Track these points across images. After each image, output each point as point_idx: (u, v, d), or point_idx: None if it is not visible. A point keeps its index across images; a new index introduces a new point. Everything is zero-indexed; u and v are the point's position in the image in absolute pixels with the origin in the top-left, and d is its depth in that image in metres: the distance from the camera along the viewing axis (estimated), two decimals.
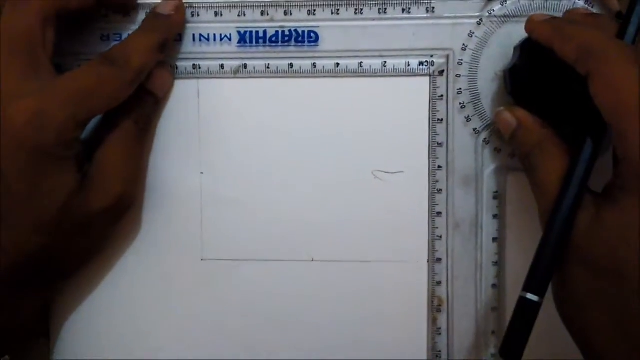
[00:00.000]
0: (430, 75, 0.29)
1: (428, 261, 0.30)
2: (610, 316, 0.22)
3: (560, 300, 0.24)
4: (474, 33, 0.29)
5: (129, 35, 0.28)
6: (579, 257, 0.23)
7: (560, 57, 0.24)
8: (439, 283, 0.30)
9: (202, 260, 0.30)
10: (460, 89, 0.29)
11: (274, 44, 0.29)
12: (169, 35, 0.28)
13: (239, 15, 0.29)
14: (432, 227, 0.29)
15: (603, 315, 0.23)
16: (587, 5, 0.28)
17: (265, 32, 0.29)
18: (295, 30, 0.29)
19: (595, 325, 0.23)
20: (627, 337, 0.22)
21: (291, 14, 0.29)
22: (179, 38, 0.29)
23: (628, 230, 0.22)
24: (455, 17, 0.29)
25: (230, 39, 0.29)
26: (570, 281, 0.24)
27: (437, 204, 0.29)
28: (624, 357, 0.22)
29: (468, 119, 0.29)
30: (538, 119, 0.26)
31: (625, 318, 0.22)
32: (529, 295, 0.24)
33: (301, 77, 0.29)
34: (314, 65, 0.29)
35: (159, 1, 0.29)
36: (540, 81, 0.27)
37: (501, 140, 0.29)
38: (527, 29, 0.26)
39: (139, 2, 0.29)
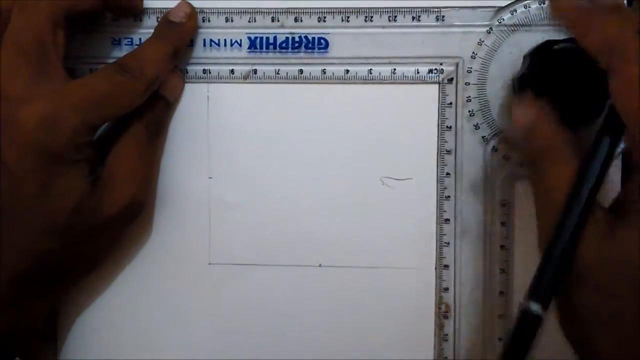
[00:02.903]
0: (439, 83, 0.29)
1: (435, 268, 0.30)
2: (624, 340, 0.21)
3: (566, 323, 0.23)
4: (483, 41, 0.29)
5: (142, 43, 0.28)
6: (588, 277, 0.22)
7: (573, 59, 0.24)
8: (446, 289, 0.30)
9: (209, 264, 0.30)
10: (470, 96, 0.29)
11: (284, 50, 0.29)
12: (182, 43, 0.28)
13: (249, 21, 0.29)
14: (440, 233, 0.30)
15: (615, 339, 0.21)
16: None
17: (275, 38, 0.29)
18: (306, 37, 0.29)
19: (606, 349, 0.22)
20: None
21: (301, 21, 0.29)
22: (190, 43, 0.29)
23: None
24: (465, 26, 0.29)
25: (240, 45, 0.29)
26: (579, 304, 0.22)
27: (445, 211, 0.29)
28: None
29: (477, 127, 0.29)
30: (555, 117, 0.25)
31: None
32: (533, 307, 0.22)
33: (311, 83, 0.29)
34: (324, 71, 0.29)
35: (168, 5, 0.29)
36: (550, 90, 0.27)
37: (510, 148, 0.29)
38: (552, 8, 0.25)
39: (149, 7, 0.29)
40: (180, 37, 0.28)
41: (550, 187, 0.23)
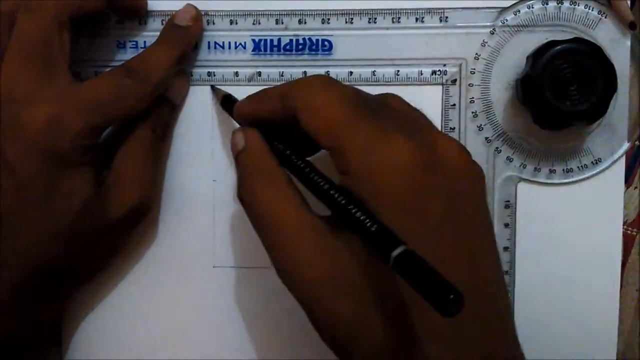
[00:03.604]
0: (442, 84, 0.29)
1: None
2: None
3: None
4: (487, 42, 0.29)
5: (148, 46, 0.28)
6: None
7: None
8: None
9: (214, 267, 0.30)
10: (473, 98, 0.29)
11: (288, 52, 0.29)
12: (188, 46, 0.28)
13: (253, 24, 0.29)
14: None
15: None
16: (600, 16, 0.28)
17: (279, 41, 0.29)
18: (310, 39, 0.29)
19: None
20: None
21: (305, 23, 0.29)
22: (195, 46, 0.29)
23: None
24: (468, 27, 0.29)
25: (244, 47, 0.30)
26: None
27: None
28: None
29: (480, 128, 0.29)
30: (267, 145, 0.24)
31: None
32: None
33: None
34: (328, 73, 0.29)
35: (172, 8, 0.29)
36: (551, 90, 0.27)
37: (513, 150, 0.29)
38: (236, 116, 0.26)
39: (154, 10, 0.29)
40: (186, 40, 0.28)
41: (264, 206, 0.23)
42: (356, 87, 0.25)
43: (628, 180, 0.30)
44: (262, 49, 0.29)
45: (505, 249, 0.30)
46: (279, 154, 0.24)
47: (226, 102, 0.28)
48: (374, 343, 0.21)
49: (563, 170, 0.29)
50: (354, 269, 0.21)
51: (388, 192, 0.21)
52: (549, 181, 0.29)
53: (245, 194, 0.23)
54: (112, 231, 0.27)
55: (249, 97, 0.26)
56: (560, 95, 0.26)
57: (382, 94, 0.25)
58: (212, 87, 0.29)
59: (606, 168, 0.29)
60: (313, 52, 0.29)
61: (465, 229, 0.22)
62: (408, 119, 0.24)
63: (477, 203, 0.23)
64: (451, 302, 0.17)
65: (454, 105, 0.29)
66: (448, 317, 0.17)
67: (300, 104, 0.23)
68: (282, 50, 0.29)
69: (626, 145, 0.29)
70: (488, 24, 0.29)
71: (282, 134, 0.24)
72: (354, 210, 0.21)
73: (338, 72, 0.29)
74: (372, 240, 0.21)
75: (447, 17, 0.29)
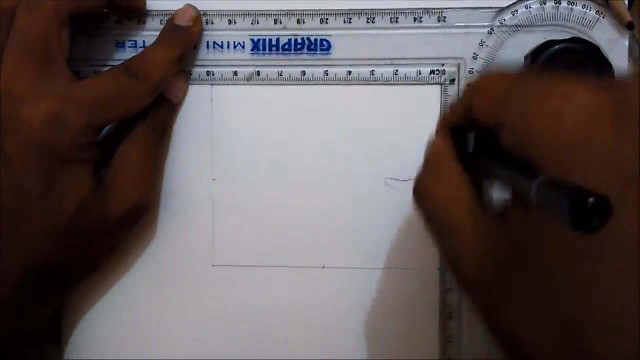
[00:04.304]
0: (441, 84, 0.29)
1: (439, 269, 0.30)
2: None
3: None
4: (485, 42, 0.29)
5: (148, 46, 0.29)
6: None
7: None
8: (450, 290, 0.30)
9: (213, 266, 0.30)
10: None
11: (287, 52, 0.30)
12: (187, 47, 0.29)
13: (252, 24, 0.30)
14: None
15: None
16: (598, 16, 0.28)
17: (278, 40, 0.30)
18: (308, 39, 0.29)
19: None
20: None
21: (304, 23, 0.29)
22: (194, 46, 0.30)
23: None
24: (466, 27, 0.29)
25: (243, 47, 0.30)
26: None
27: None
28: None
29: None
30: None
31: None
32: None
33: (313, 84, 0.30)
34: (326, 73, 0.30)
35: (171, 8, 0.29)
36: None
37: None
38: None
39: (153, 10, 0.29)
40: (186, 41, 0.28)
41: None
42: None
43: None
44: (261, 48, 0.30)
45: None
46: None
47: None
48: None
49: None
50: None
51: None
52: None
53: (419, 192, 0.23)
54: (111, 230, 0.27)
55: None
56: None
57: None
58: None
59: None
60: (312, 52, 0.29)
61: None
62: None
63: None
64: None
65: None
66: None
67: (469, 95, 0.21)
68: (281, 50, 0.30)
69: None
70: (486, 24, 0.29)
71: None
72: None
73: (337, 72, 0.29)
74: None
75: (445, 17, 0.29)
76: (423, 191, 0.23)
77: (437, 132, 0.24)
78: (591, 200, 0.15)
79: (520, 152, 0.19)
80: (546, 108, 0.18)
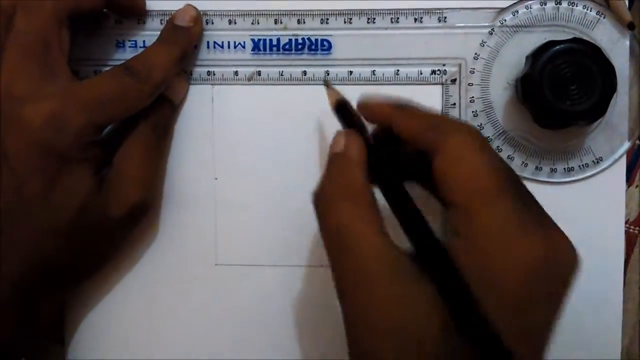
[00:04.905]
0: (442, 84, 0.29)
1: None
2: None
3: None
4: (485, 42, 0.29)
5: (149, 46, 0.29)
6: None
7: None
8: None
9: (216, 265, 0.30)
10: (473, 97, 0.29)
11: (287, 52, 0.30)
12: (188, 47, 0.29)
13: (252, 24, 0.30)
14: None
15: None
16: (598, 16, 0.28)
17: (278, 40, 0.29)
18: (309, 39, 0.29)
19: None
20: None
21: (304, 23, 0.29)
22: (194, 45, 0.30)
23: None
24: (467, 27, 0.29)
25: (244, 47, 0.30)
26: None
27: None
28: None
29: (480, 127, 0.29)
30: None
31: None
32: None
33: (314, 84, 0.30)
34: (327, 73, 0.29)
35: (171, 8, 0.29)
36: (550, 90, 0.27)
37: (513, 149, 0.29)
38: (361, 109, 0.25)
39: (152, 9, 0.29)
40: (187, 41, 0.28)
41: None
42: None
43: (629, 179, 0.30)
44: (262, 48, 0.30)
45: None
46: (379, 171, 0.23)
47: (341, 107, 0.26)
48: None
49: (564, 169, 0.29)
50: (426, 325, 0.19)
51: (498, 287, 0.19)
52: (550, 180, 0.29)
53: (321, 200, 0.22)
54: (113, 229, 0.27)
55: (388, 102, 0.24)
56: (560, 95, 0.26)
57: None
58: (326, 82, 0.27)
59: (607, 167, 0.29)
60: (312, 52, 0.29)
61: (548, 329, 0.21)
62: (538, 208, 0.22)
63: (565, 298, 0.21)
64: None
65: (454, 104, 0.29)
66: None
67: (450, 145, 0.21)
68: (281, 50, 0.30)
69: (627, 145, 0.29)
70: (487, 24, 0.29)
71: (389, 147, 0.23)
72: (457, 277, 0.19)
73: (338, 72, 0.29)
74: (460, 315, 0.19)
75: (445, 18, 0.29)
76: (325, 204, 0.22)
77: (350, 136, 0.23)
78: None
79: (460, 254, 0.20)
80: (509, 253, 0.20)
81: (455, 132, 0.22)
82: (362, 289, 0.20)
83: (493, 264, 0.19)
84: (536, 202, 0.22)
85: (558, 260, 0.20)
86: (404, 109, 0.24)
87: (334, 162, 0.23)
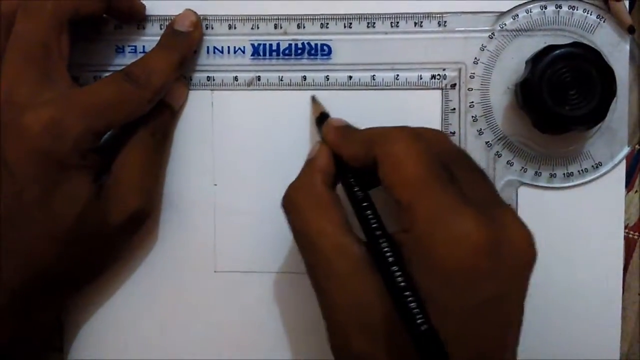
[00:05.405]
0: (442, 89, 0.29)
1: None
2: None
3: None
4: (485, 47, 0.29)
5: (149, 52, 0.29)
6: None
7: None
8: None
9: (215, 272, 0.30)
10: (473, 102, 0.29)
11: (287, 57, 0.29)
12: (188, 53, 0.29)
13: (252, 29, 0.29)
14: None
15: None
16: (599, 20, 0.28)
17: (278, 45, 0.29)
18: (308, 43, 0.29)
19: None
20: None
21: (304, 27, 0.29)
22: (194, 50, 0.29)
23: None
24: (467, 31, 0.29)
25: (244, 52, 0.30)
26: None
27: None
28: None
29: (480, 132, 0.29)
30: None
31: None
32: None
33: (314, 89, 0.29)
34: (327, 77, 0.29)
35: (171, 13, 0.29)
36: (550, 95, 0.27)
37: (513, 154, 0.29)
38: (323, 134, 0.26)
39: (152, 14, 0.29)
40: (187, 46, 0.28)
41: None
42: (442, 134, 0.26)
43: (628, 184, 0.30)
44: (261, 53, 0.29)
45: None
46: (346, 183, 0.25)
47: (321, 120, 0.28)
48: None
49: (564, 174, 0.29)
50: (378, 305, 0.21)
51: (443, 269, 0.20)
52: (549, 185, 0.29)
53: (287, 204, 0.25)
54: (112, 236, 0.27)
55: (337, 129, 0.26)
56: (559, 100, 0.26)
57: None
58: (313, 98, 0.29)
59: (607, 172, 0.29)
60: (312, 57, 0.29)
61: (504, 312, 0.21)
62: (486, 188, 0.24)
63: (522, 287, 0.22)
64: None
65: (454, 109, 0.29)
66: None
67: (382, 154, 0.23)
68: (281, 55, 0.29)
69: (626, 150, 0.29)
70: (487, 28, 0.29)
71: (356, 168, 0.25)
72: (398, 275, 0.21)
73: (337, 77, 0.29)
74: (402, 311, 0.20)
75: (445, 22, 0.29)
76: (290, 205, 0.25)
77: (321, 147, 0.26)
78: None
79: (409, 248, 0.21)
80: (446, 234, 0.21)
81: (385, 141, 0.23)
82: (332, 283, 0.22)
83: (434, 248, 0.21)
84: (486, 184, 0.24)
85: (501, 238, 0.21)
86: (344, 136, 0.25)
87: (303, 169, 0.25)
